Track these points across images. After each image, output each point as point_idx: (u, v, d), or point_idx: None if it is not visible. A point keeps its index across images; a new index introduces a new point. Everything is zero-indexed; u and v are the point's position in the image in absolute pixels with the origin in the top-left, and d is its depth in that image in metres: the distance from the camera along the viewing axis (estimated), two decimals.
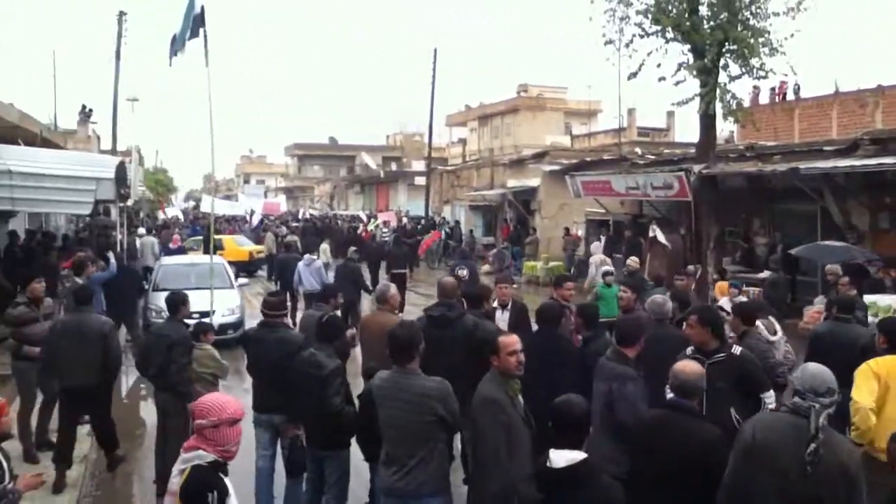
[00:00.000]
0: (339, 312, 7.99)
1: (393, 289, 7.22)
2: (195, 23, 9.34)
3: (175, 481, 3.45)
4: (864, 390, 4.88)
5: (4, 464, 4.39)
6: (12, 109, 12.17)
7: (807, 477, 3.45)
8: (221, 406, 3.52)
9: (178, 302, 7.13)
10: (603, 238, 22.53)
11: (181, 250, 20.26)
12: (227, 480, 3.47)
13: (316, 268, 14.83)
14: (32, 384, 7.71)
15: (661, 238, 17.96)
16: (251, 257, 24.95)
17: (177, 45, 9.57)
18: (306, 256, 15.53)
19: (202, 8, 9.37)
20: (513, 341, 4.62)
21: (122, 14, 30.09)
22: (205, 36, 9.39)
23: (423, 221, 34.89)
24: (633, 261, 12.47)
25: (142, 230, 23.51)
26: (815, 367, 3.81)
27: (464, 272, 11.66)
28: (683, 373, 4.18)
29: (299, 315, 15.80)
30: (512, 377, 4.57)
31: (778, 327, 7.73)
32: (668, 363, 4.55)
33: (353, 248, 16.83)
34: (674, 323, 7.14)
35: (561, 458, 3.49)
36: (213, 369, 7.19)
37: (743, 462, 3.69)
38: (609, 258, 17.56)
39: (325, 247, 21.60)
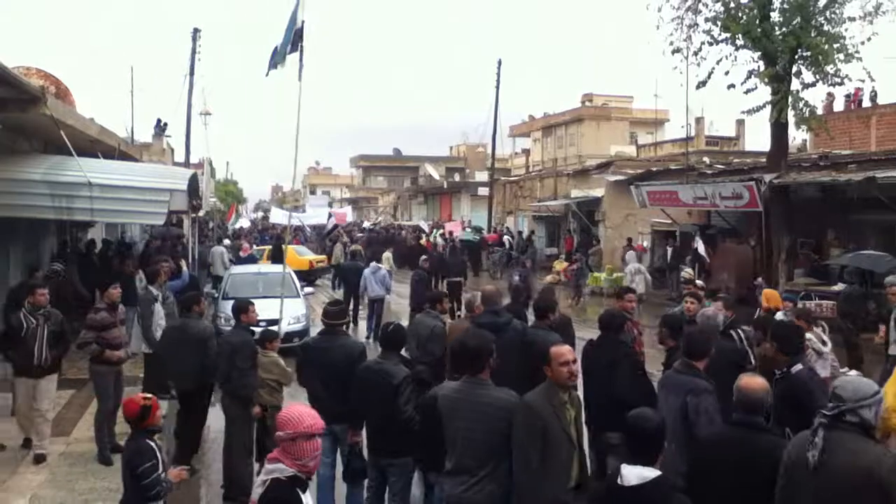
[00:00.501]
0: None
1: (480, 298, 7.28)
2: (295, 36, 9.41)
3: (257, 491, 3.45)
4: (889, 392, 5.15)
5: (159, 455, 4.78)
6: (93, 124, 12.65)
7: (832, 488, 3.31)
8: (299, 418, 3.47)
9: (241, 309, 7.37)
10: (669, 249, 22.15)
11: (252, 259, 20.83)
12: (306, 497, 3.42)
13: (381, 276, 15.72)
14: (110, 388, 8.01)
15: (702, 250, 17.81)
16: (311, 266, 25.39)
17: (277, 57, 9.60)
18: (372, 265, 16.52)
19: (302, 23, 9.43)
20: (564, 352, 4.51)
21: (196, 31, 30.95)
22: (301, 51, 9.45)
23: (482, 231, 34.90)
24: (687, 272, 12.19)
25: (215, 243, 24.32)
26: (841, 378, 3.71)
27: (515, 279, 12.03)
28: (747, 388, 4.07)
29: (362, 323, 16.25)
30: (565, 388, 4.47)
31: (826, 338, 7.54)
32: (721, 375, 4.44)
33: (423, 258, 17.41)
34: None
35: (633, 474, 3.38)
36: (278, 376, 7.36)
37: (785, 482, 3.59)
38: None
39: (387, 255, 22.30)
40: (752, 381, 4.15)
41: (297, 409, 3.62)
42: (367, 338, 14.61)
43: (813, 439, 3.39)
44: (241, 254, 21.51)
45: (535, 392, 4.54)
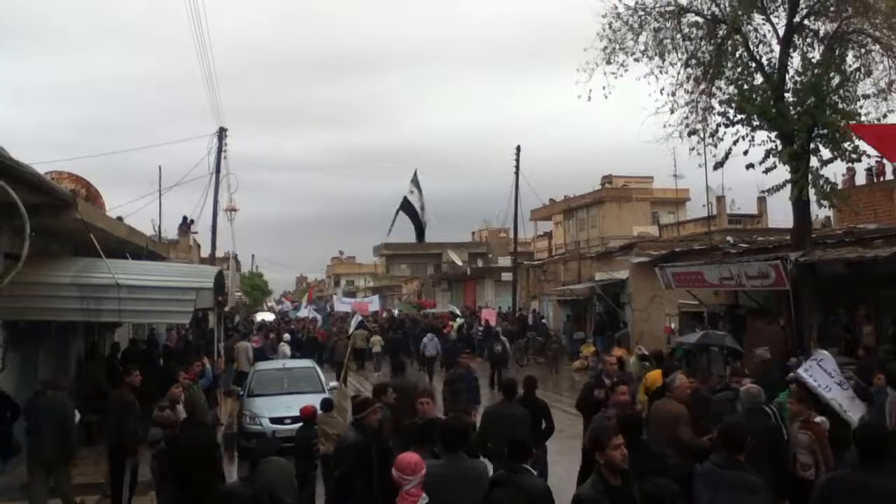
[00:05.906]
0: None
1: (679, 379, 7.83)
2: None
3: None
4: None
5: None
6: (121, 225, 12.99)
7: None
8: (419, 461, 4.31)
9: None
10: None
11: None
12: None
13: (435, 343, 23.57)
14: (172, 487, 7.98)
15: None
16: None
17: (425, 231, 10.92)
18: (429, 334, 24.52)
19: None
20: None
21: (222, 130, 31.52)
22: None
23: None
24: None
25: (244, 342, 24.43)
26: None
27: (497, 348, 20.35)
28: None
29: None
30: None
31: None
32: (760, 451, 4.46)
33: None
34: None
35: None
36: (338, 430, 8.55)
37: None
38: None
39: (377, 339, 28.17)
40: None
41: (411, 454, 4.45)
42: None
43: None
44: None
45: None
